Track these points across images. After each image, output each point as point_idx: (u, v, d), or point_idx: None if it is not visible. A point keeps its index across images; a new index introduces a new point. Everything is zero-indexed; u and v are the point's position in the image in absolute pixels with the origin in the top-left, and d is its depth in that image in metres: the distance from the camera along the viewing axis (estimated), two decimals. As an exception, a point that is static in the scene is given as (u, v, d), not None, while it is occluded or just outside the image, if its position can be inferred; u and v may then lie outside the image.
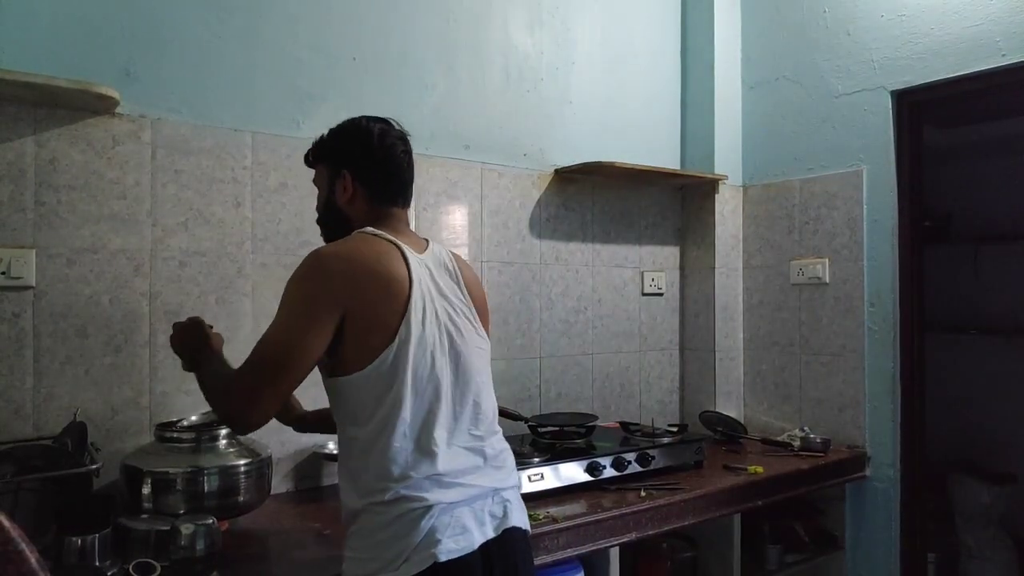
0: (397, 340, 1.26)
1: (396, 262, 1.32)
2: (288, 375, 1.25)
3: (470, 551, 1.25)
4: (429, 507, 1.24)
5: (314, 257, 1.32)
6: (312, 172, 1.51)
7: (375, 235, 1.36)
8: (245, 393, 1.26)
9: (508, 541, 1.33)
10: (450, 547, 1.22)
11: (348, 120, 1.47)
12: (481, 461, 1.34)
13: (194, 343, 1.42)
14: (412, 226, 2.26)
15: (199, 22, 1.93)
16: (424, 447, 1.28)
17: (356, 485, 1.29)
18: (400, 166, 1.44)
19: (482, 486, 1.32)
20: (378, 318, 1.27)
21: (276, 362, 1.24)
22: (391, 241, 1.36)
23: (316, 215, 1.51)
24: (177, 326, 1.46)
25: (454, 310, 1.38)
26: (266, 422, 1.28)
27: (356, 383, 1.27)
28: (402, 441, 1.26)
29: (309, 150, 1.50)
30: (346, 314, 1.26)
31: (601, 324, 2.76)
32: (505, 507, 1.35)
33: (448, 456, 1.29)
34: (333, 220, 1.45)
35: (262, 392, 1.24)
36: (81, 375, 1.76)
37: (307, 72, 2.10)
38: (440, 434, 1.29)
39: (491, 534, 1.30)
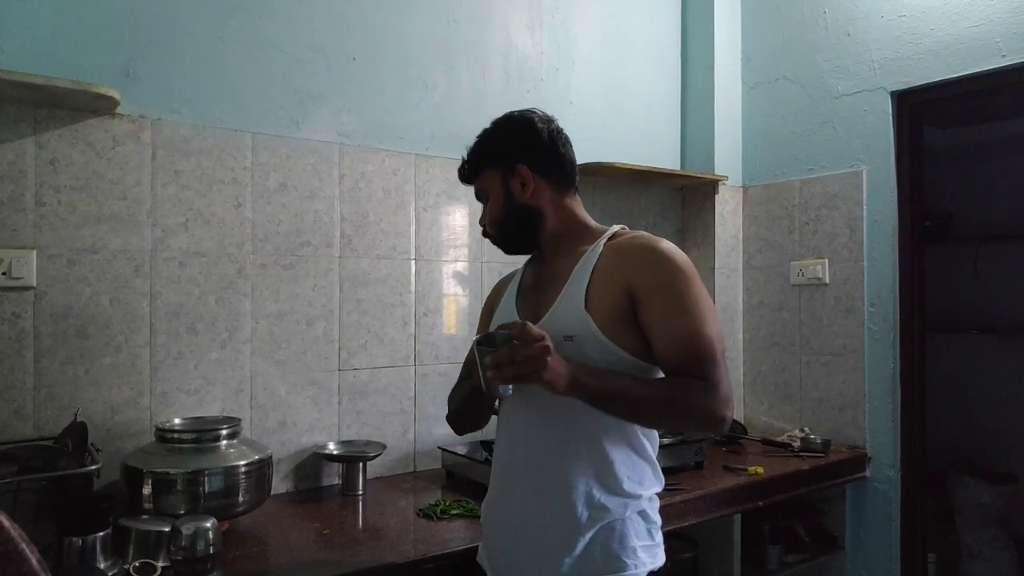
0: None
1: None
2: None
3: None
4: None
5: (677, 248, 1.28)
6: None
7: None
8: (729, 390, 1.20)
9: None
10: None
11: (496, 121, 1.42)
12: None
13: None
14: (412, 228, 2.29)
15: (199, 23, 1.93)
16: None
17: (619, 480, 1.27)
18: (569, 145, 1.41)
19: None
20: None
21: (725, 352, 1.24)
22: None
23: (484, 227, 1.43)
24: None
25: None
26: None
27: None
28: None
29: (464, 164, 1.42)
30: None
31: (601, 324, 2.76)
32: None
33: None
34: (520, 219, 1.38)
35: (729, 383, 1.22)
36: (81, 375, 1.76)
37: (307, 72, 2.10)
38: None
39: None
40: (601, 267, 1.28)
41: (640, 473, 1.29)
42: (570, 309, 1.26)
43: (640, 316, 1.23)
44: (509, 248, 1.44)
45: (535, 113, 1.40)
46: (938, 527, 3.14)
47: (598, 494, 1.25)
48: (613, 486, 1.26)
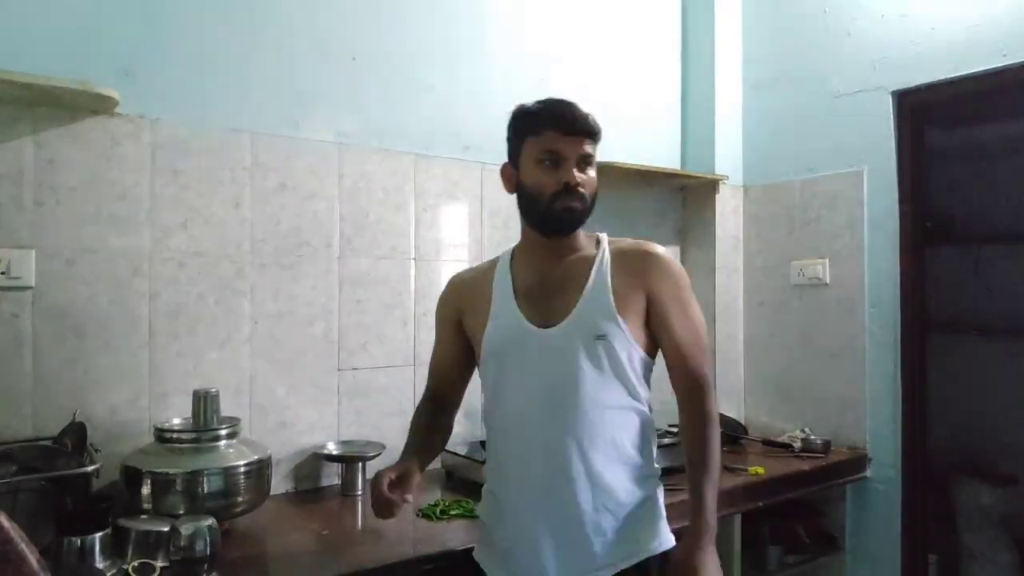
0: None
1: None
2: None
3: None
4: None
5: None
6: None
7: None
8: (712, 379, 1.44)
9: None
10: None
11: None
12: None
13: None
14: (412, 228, 2.28)
15: (199, 22, 1.93)
16: None
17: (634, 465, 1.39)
18: None
19: None
20: None
21: None
22: None
23: (577, 186, 1.36)
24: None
25: None
26: None
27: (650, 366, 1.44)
28: None
29: (592, 119, 1.38)
30: None
31: (601, 325, 2.75)
32: None
33: None
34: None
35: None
36: (80, 375, 1.76)
37: (307, 72, 2.10)
38: None
39: None
40: (617, 272, 1.39)
41: (654, 451, 1.45)
42: (600, 311, 1.36)
43: (653, 319, 1.40)
44: (575, 224, 1.41)
45: None
46: (939, 528, 3.13)
47: (639, 473, 1.39)
48: (645, 467, 1.41)
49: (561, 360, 1.34)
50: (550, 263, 1.43)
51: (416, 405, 1.62)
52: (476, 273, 1.55)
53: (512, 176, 1.43)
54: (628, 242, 1.48)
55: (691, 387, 1.40)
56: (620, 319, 1.35)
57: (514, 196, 1.45)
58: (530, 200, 1.39)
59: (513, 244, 1.54)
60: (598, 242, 1.46)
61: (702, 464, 1.34)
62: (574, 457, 1.34)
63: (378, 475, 1.37)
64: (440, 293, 1.60)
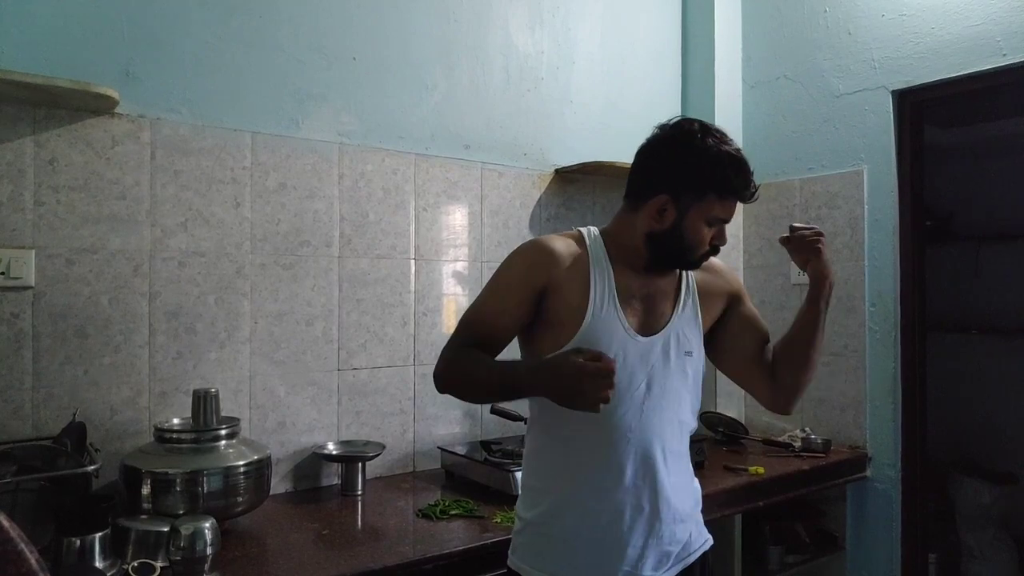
0: None
1: None
2: None
3: None
4: None
5: None
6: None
7: None
8: None
9: None
10: None
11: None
12: None
13: None
14: (412, 228, 2.29)
15: (199, 22, 1.93)
16: None
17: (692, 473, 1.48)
18: None
19: None
20: None
21: None
22: None
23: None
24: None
25: None
26: None
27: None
28: None
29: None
30: None
31: (601, 324, 2.75)
32: None
33: None
34: None
35: None
36: (80, 375, 1.76)
37: (307, 72, 2.10)
38: None
39: None
40: (701, 284, 1.43)
41: None
42: (690, 326, 1.40)
43: (731, 317, 1.47)
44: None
45: None
46: (938, 527, 3.13)
47: (695, 483, 1.48)
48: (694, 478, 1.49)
49: (656, 369, 1.34)
50: (646, 270, 1.37)
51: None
52: (566, 248, 1.35)
53: (671, 217, 1.31)
54: None
55: None
56: (702, 336, 1.41)
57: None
58: (683, 248, 1.33)
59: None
60: None
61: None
62: (659, 463, 1.36)
63: (571, 361, 1.13)
64: (521, 251, 1.37)
